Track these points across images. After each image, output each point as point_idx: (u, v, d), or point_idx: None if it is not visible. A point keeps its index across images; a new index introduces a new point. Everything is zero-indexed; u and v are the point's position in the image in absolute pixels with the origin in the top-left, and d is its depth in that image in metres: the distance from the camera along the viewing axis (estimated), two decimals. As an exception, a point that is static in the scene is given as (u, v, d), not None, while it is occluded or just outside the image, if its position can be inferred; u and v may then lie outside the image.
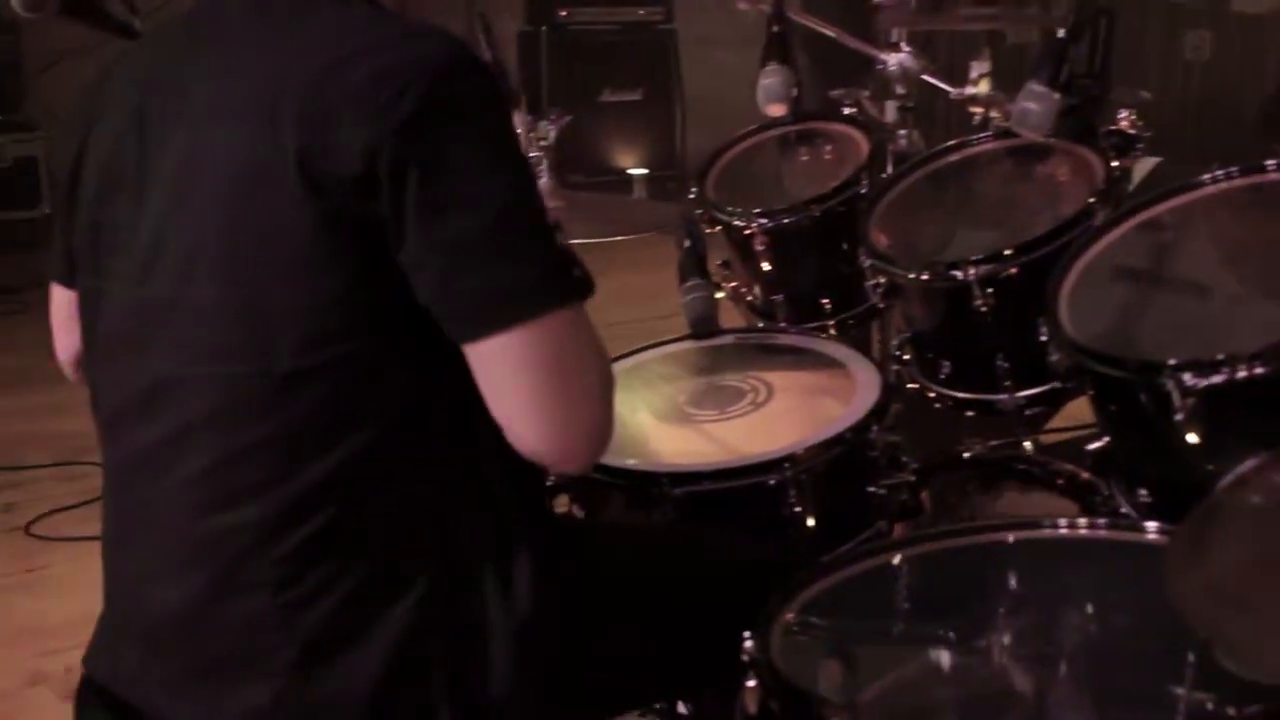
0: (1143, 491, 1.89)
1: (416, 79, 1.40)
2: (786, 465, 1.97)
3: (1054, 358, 1.97)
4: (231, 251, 1.44)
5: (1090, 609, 1.58)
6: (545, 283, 1.45)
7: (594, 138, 7.45)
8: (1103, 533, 1.69)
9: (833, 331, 2.68)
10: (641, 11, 7.70)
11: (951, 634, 1.53)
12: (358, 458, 1.45)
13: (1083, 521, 1.71)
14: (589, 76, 7.52)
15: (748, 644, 1.49)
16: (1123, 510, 1.91)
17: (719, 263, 2.79)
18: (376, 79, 1.40)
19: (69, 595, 3.31)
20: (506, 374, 1.45)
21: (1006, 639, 1.54)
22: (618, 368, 2.40)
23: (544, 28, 7.40)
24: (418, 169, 1.38)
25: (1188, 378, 1.68)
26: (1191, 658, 1.38)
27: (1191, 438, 1.69)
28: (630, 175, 7.50)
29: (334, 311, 1.42)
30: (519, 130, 2.40)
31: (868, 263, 2.38)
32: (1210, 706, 1.34)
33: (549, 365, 1.45)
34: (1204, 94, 7.34)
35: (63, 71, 5.89)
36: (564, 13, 7.49)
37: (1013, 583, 1.67)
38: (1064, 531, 1.70)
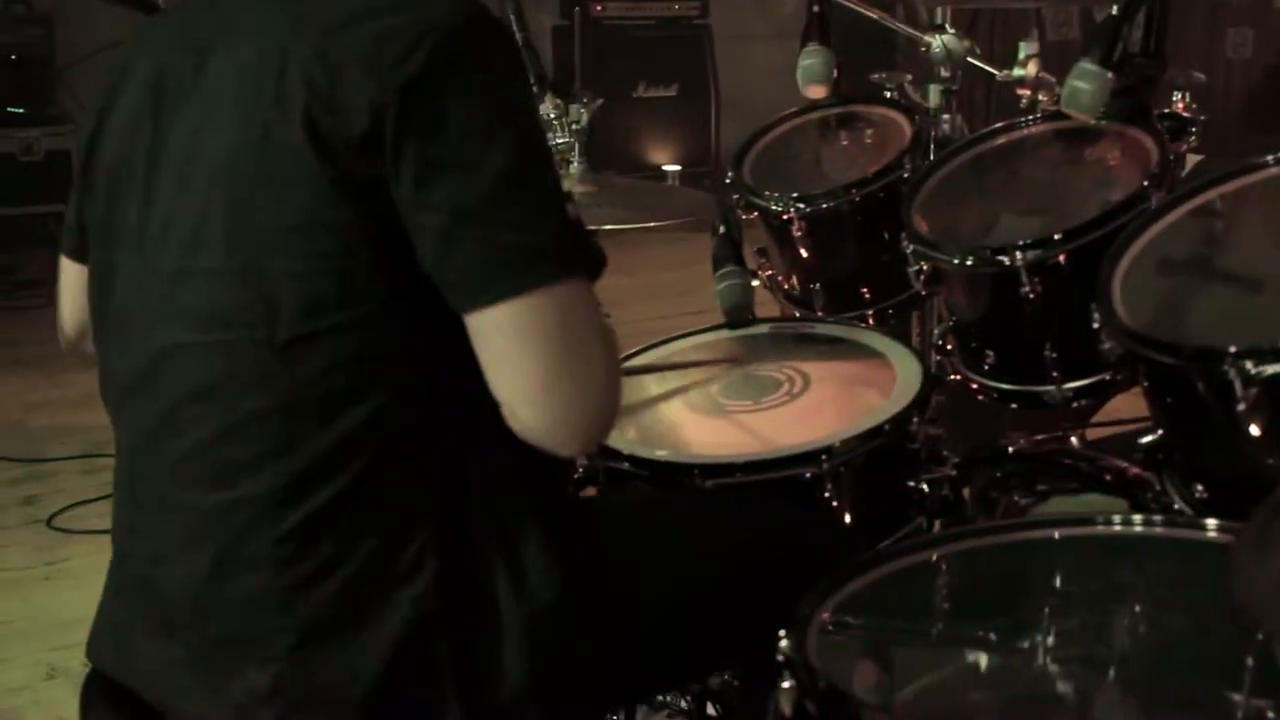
0: (1199, 487, 1.84)
1: (424, 38, 1.39)
2: (823, 458, 1.93)
3: (1106, 346, 1.92)
4: (237, 217, 1.42)
5: (1140, 609, 1.53)
6: (547, 253, 1.41)
7: (628, 133, 7.46)
8: (1158, 530, 1.63)
9: (872, 321, 2.64)
10: (677, 6, 7.71)
11: (993, 634, 1.48)
12: (360, 431, 1.42)
13: (1137, 518, 1.66)
14: (623, 72, 7.51)
15: (783, 643, 1.45)
16: (1176, 506, 1.86)
17: (755, 250, 2.75)
18: (384, 38, 1.39)
19: (89, 589, 3.21)
20: (501, 348, 1.41)
21: (1051, 640, 1.49)
22: (650, 356, 2.37)
23: (579, 22, 7.37)
24: (420, 129, 1.37)
25: (1250, 365, 1.62)
26: (1250, 662, 1.33)
27: (1254, 429, 1.63)
28: (665, 171, 7.50)
29: (334, 278, 1.40)
30: (551, 115, 2.38)
31: (910, 248, 2.32)
32: (1270, 715, 1.28)
33: (547, 340, 1.40)
34: (1246, 91, 7.32)
35: (94, 65, 5.89)
36: (599, 7, 7.49)
37: (1059, 582, 1.61)
38: (1116, 528, 1.65)
